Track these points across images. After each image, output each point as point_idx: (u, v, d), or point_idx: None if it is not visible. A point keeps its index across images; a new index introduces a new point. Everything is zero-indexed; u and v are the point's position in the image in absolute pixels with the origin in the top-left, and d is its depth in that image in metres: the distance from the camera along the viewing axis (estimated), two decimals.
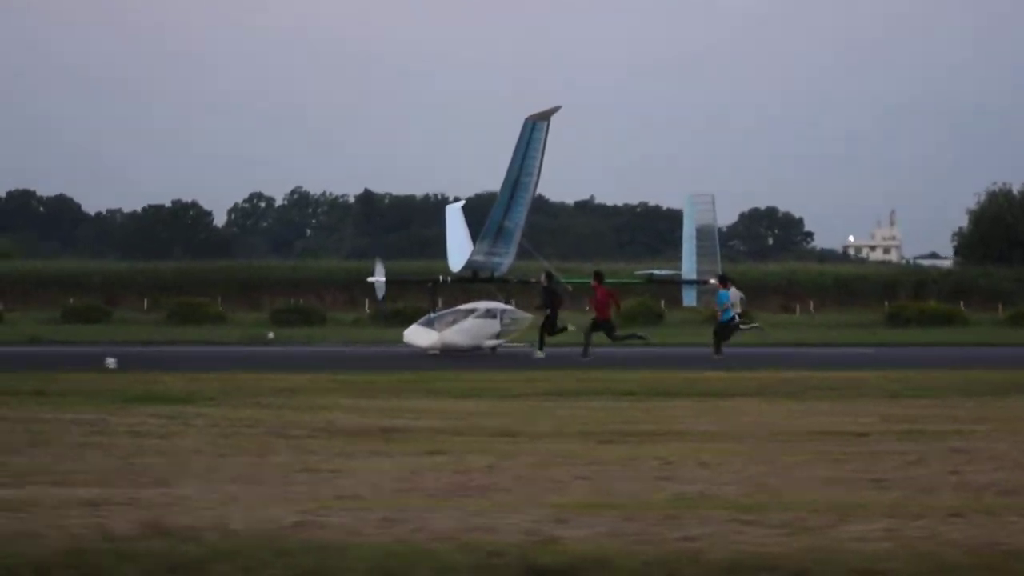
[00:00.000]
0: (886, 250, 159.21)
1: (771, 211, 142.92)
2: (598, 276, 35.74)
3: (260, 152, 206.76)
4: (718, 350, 33.48)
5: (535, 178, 33.67)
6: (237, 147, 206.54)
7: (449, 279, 39.12)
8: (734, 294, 36.21)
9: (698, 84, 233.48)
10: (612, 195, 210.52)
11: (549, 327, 35.34)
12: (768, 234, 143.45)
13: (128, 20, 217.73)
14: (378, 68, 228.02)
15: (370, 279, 38.22)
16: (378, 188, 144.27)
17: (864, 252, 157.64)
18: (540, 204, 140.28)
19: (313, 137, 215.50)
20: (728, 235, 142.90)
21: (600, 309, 34.12)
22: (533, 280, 40.89)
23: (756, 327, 37.78)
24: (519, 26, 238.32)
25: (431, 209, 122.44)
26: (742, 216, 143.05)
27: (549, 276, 36.44)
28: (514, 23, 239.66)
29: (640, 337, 36.53)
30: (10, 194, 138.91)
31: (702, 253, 38.69)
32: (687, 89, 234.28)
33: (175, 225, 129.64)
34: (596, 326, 33.99)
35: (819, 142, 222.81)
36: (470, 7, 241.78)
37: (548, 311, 35.21)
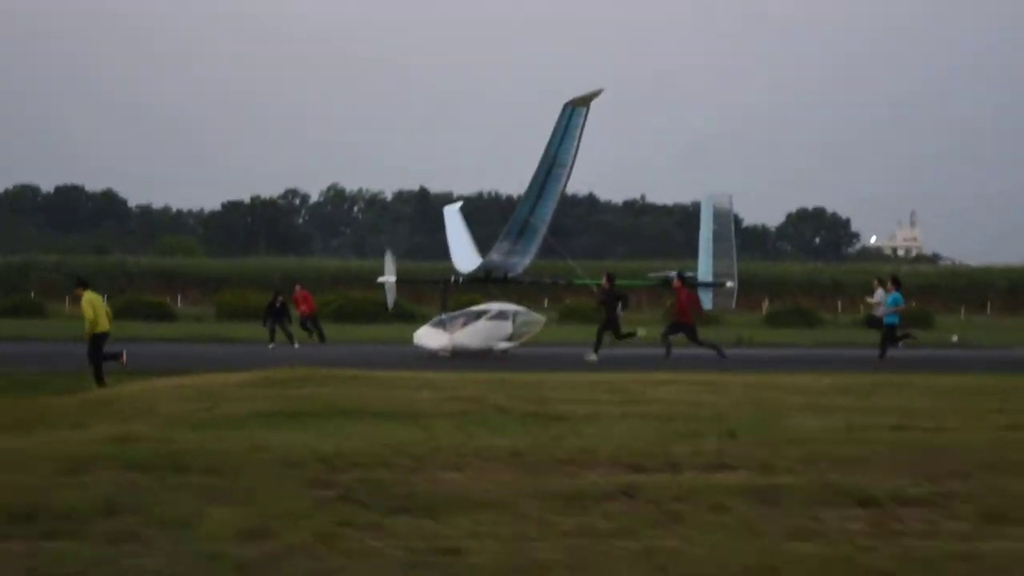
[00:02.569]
0: (907, 251, 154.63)
1: (819, 211, 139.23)
2: (682, 278, 31.40)
3: (293, 150, 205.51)
4: (883, 355, 30.24)
5: (568, 170, 29.75)
6: (273, 145, 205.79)
7: (461, 280, 35.96)
8: (879, 294, 33.90)
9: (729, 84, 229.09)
10: (660, 194, 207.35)
11: (613, 330, 31.98)
12: (816, 234, 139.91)
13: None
14: (415, 68, 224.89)
15: (380, 279, 35.91)
16: (412, 185, 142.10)
17: (886, 252, 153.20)
18: (593, 203, 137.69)
19: (347, 134, 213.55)
20: (776, 235, 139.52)
21: (683, 312, 30.09)
22: (564, 282, 38.49)
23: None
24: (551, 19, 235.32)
25: (485, 207, 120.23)
26: (789, 216, 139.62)
27: (611, 278, 32.56)
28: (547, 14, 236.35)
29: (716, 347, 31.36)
30: (59, 188, 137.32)
31: (719, 254, 35.96)
32: (718, 89, 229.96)
33: (256, 220, 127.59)
34: (676, 328, 29.94)
35: (833, 144, 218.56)
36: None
37: (615, 309, 31.61)
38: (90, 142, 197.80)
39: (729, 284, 35.73)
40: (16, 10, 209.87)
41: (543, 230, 32.19)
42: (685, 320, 30.05)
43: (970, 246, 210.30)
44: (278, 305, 37.85)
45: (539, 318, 35.23)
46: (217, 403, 17.10)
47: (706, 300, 36.13)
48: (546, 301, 68.26)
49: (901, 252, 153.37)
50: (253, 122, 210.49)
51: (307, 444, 12.68)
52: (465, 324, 33.62)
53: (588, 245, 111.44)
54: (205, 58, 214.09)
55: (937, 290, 78.09)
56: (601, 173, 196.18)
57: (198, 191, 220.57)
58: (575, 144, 29.25)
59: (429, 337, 33.48)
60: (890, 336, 31.28)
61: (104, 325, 22.39)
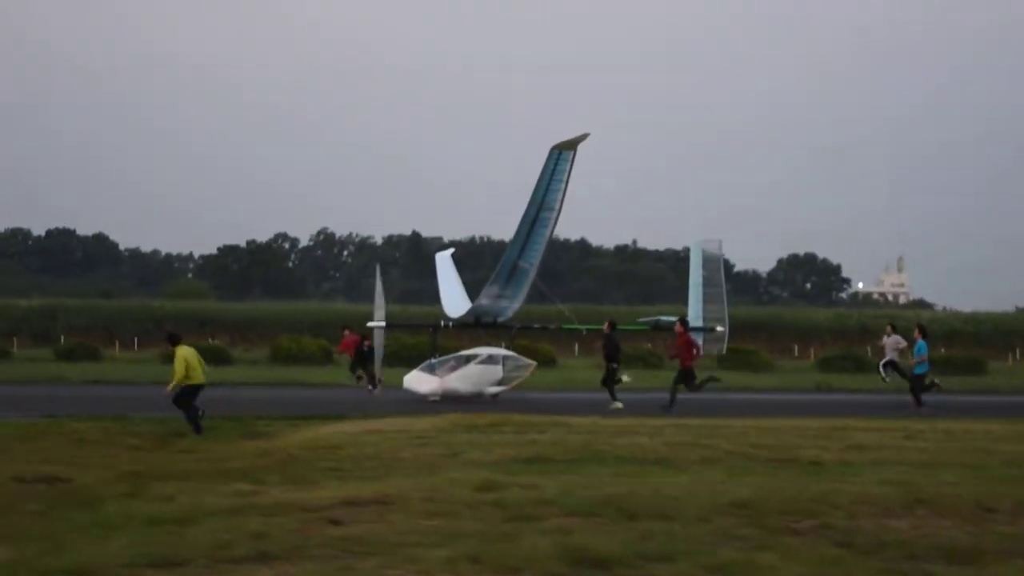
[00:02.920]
0: (894, 296, 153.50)
1: (810, 257, 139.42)
2: (683, 322, 30.98)
3: (285, 191, 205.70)
4: (919, 402, 29.88)
5: (556, 214, 29.54)
6: (262, 185, 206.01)
7: (451, 324, 35.75)
8: (895, 341, 33.54)
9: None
10: (650, 240, 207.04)
11: (608, 376, 30.69)
12: (807, 280, 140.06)
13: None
14: (405, 113, 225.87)
15: (370, 324, 35.68)
16: (403, 230, 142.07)
17: (875, 298, 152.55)
18: (585, 248, 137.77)
19: (340, 178, 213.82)
20: (768, 281, 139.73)
21: (683, 357, 29.42)
22: (554, 327, 38.25)
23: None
24: (537, 58, 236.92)
25: (478, 252, 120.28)
26: (780, 262, 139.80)
27: (612, 325, 31.71)
28: (530, 57, 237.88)
29: (716, 379, 31.59)
30: (49, 232, 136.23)
31: (709, 299, 35.61)
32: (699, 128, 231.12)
33: (253, 265, 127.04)
34: (683, 376, 29.19)
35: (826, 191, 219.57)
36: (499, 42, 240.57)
37: (611, 362, 30.59)
38: (81, 187, 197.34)
39: (719, 328, 35.58)
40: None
41: (532, 274, 31.95)
42: (685, 366, 29.40)
43: (954, 292, 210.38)
44: (365, 348, 37.37)
45: (529, 362, 35.02)
46: (453, 450, 17.05)
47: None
48: (576, 347, 68.03)
49: (890, 297, 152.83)
50: (241, 167, 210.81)
51: (696, 491, 12.57)
52: (455, 368, 33.42)
53: (583, 290, 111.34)
54: (196, 101, 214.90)
55: (961, 336, 77.59)
56: (591, 219, 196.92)
57: (186, 235, 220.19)
58: (562, 188, 29.10)
59: (419, 381, 33.28)
60: (920, 384, 30.86)
61: (199, 378, 22.36)
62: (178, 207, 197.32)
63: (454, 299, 39.32)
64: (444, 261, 44.19)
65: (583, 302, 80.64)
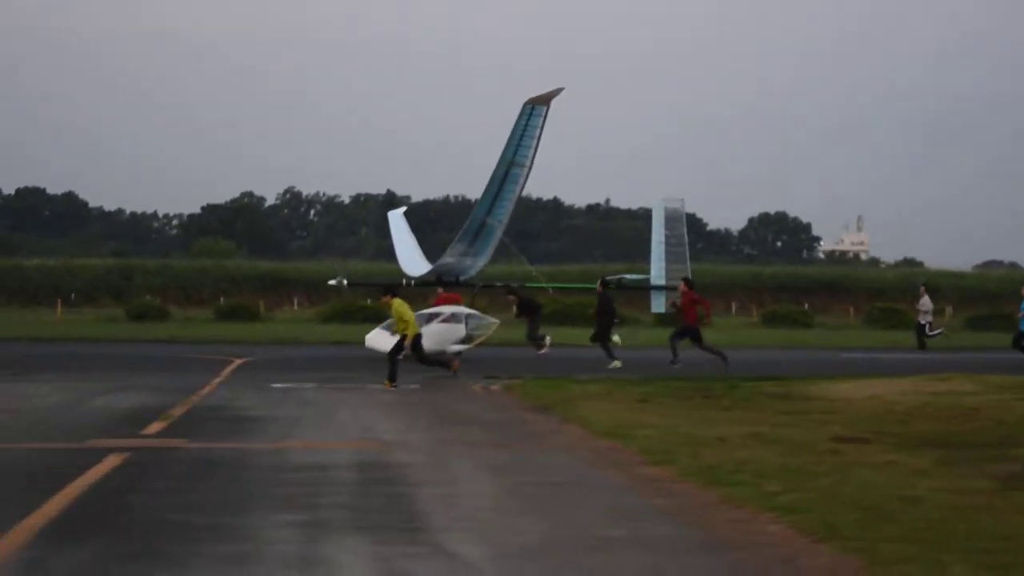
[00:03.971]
0: (855, 255, 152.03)
1: (780, 216, 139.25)
2: (687, 282, 30.34)
3: (249, 150, 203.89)
4: None
5: (527, 170, 28.78)
6: (226, 145, 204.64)
7: (412, 283, 35.20)
8: (926, 301, 33.49)
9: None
10: (623, 198, 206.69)
11: (602, 334, 30.29)
12: (777, 238, 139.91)
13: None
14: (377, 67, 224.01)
15: (331, 282, 35.32)
16: (373, 189, 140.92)
17: (836, 257, 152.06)
18: (558, 207, 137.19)
19: (307, 136, 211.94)
20: (738, 239, 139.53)
21: (687, 315, 28.91)
22: (517, 285, 37.94)
23: (940, 333, 35.94)
24: (515, 25, 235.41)
25: (453, 211, 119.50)
26: (751, 220, 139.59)
27: (604, 283, 31.21)
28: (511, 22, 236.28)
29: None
30: (19, 191, 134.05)
31: (672, 257, 35.46)
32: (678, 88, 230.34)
33: (234, 225, 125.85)
34: (683, 333, 28.82)
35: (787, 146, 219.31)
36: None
37: (613, 318, 30.31)
38: (50, 145, 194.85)
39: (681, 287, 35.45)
40: None
41: (500, 232, 31.27)
42: (689, 323, 29.00)
43: (910, 252, 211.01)
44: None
45: (492, 321, 34.71)
46: None
47: (659, 304, 35.80)
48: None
49: (850, 256, 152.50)
50: (204, 126, 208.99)
51: None
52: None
53: (560, 250, 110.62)
54: (160, 57, 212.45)
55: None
56: (562, 177, 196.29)
57: (148, 193, 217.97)
58: (534, 143, 28.37)
59: (381, 340, 32.79)
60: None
61: (416, 328, 22.95)
62: (138, 165, 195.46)
63: (410, 257, 38.86)
64: (396, 219, 43.45)
65: (560, 262, 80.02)
